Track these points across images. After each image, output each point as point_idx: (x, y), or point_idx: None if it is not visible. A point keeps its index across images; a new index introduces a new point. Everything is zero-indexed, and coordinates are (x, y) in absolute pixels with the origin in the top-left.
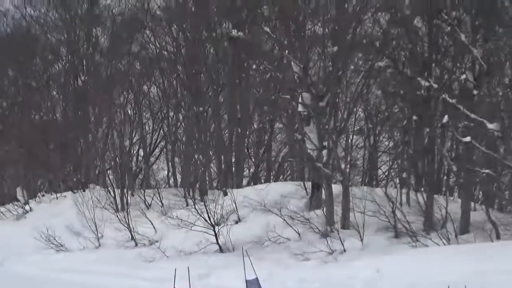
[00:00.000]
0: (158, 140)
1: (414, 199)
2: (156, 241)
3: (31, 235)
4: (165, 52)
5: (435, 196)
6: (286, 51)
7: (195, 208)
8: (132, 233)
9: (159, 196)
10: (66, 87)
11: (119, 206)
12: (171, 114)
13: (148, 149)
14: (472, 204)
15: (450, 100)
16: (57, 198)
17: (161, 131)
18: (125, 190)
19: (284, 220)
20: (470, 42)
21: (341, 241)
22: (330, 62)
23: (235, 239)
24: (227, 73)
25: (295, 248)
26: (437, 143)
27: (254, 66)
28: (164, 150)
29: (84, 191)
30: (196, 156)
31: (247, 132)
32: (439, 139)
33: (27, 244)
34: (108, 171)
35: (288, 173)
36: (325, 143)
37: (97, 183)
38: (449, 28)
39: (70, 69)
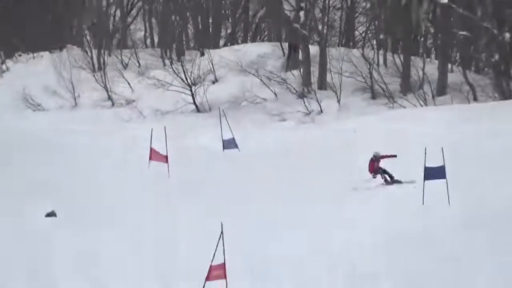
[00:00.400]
0: (135, 0)
1: (391, 60)
2: (133, 101)
3: (8, 95)
4: None
5: (412, 57)
6: None
7: (172, 68)
8: (109, 93)
9: (136, 56)
10: None
11: (96, 66)
12: None
13: (125, 9)
14: (449, 65)
15: None
16: (34, 58)
17: None
18: (102, 50)
19: (261, 80)
20: None
21: (318, 102)
22: None
23: (212, 99)
24: None
25: (272, 109)
26: (414, 4)
27: None
28: (141, 10)
29: (61, 51)
30: (173, 17)
31: None
32: (417, 0)
33: (3, 105)
34: (85, 31)
35: (265, 34)
36: (302, 4)
37: (74, 43)
38: None
39: None
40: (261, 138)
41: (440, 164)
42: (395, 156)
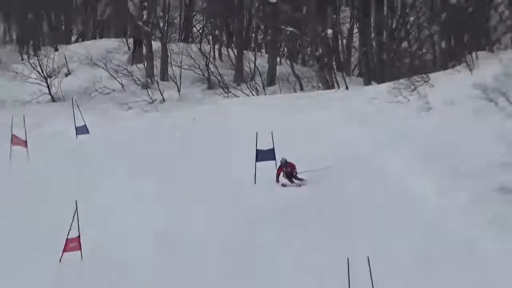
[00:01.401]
0: None
1: (225, 54)
2: None
3: None
4: None
5: (244, 51)
6: None
7: (29, 62)
8: None
9: None
10: None
11: None
12: None
13: None
14: (278, 59)
15: None
16: None
17: None
18: None
19: (109, 73)
20: None
21: (160, 92)
22: None
23: (66, 90)
24: None
25: (119, 99)
26: (246, 3)
27: None
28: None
29: None
30: (29, 15)
31: None
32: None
33: None
34: None
35: (112, 31)
36: (145, 3)
37: None
38: None
39: None
40: (110, 125)
41: (270, 146)
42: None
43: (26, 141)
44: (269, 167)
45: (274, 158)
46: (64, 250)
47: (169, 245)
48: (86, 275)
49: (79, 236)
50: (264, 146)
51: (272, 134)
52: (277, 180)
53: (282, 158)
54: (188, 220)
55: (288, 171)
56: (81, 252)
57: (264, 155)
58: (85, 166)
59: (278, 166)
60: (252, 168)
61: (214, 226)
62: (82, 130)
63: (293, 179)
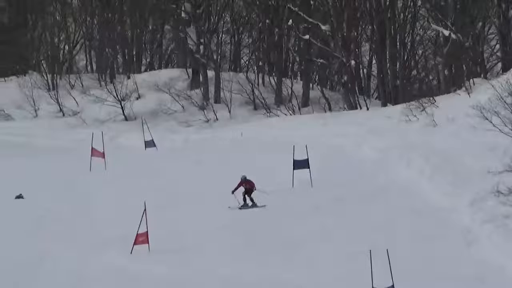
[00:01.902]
0: (79, 38)
1: (268, 81)
2: (78, 112)
3: None
4: None
5: (283, 79)
6: None
7: (106, 88)
8: (60, 106)
9: (80, 79)
10: None
11: (51, 87)
12: (88, 19)
13: (71, 44)
14: (311, 85)
15: (293, 8)
16: (5, 81)
17: (80, 31)
18: (55, 75)
19: (172, 96)
20: None
21: (214, 112)
22: None
23: (136, 111)
24: None
25: (181, 118)
26: (284, 40)
27: None
28: (83, 45)
29: (25, 75)
30: (106, 50)
31: (144, 32)
32: (286, 37)
33: None
34: (42, 61)
35: (174, 62)
36: (202, 40)
37: (34, 70)
38: None
39: None
40: (173, 139)
41: (304, 157)
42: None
43: (103, 153)
44: (304, 172)
45: (308, 167)
46: (135, 243)
47: (230, 237)
48: (153, 264)
49: (147, 232)
50: (300, 156)
51: (306, 146)
52: (233, 192)
53: (243, 175)
54: (245, 214)
55: (247, 188)
56: (148, 245)
57: (300, 164)
58: (153, 173)
59: (239, 182)
60: (290, 174)
61: (267, 218)
62: (150, 144)
63: (248, 198)
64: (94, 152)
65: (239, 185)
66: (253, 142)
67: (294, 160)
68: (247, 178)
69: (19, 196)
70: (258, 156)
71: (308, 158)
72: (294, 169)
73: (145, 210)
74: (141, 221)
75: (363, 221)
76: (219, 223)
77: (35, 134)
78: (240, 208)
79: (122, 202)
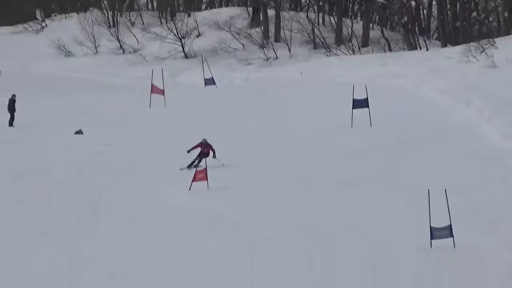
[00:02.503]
0: None
1: (328, 21)
2: (139, 50)
3: (47, 45)
4: None
5: (343, 19)
6: None
7: (167, 25)
8: (121, 43)
9: (140, 16)
10: None
11: (111, 24)
12: None
13: None
14: (371, 25)
15: None
16: (65, 18)
17: None
18: (115, 12)
19: (232, 35)
20: None
21: (274, 51)
22: None
23: (196, 49)
24: None
25: (240, 56)
26: None
27: None
28: None
29: (85, 12)
30: None
31: None
32: None
33: (43, 52)
34: None
35: (235, 0)
36: None
37: (95, 7)
38: None
39: None
40: (232, 77)
41: (364, 96)
42: (214, 151)
43: (163, 90)
44: (363, 112)
45: (368, 106)
46: (193, 180)
47: (288, 176)
48: (212, 202)
49: (205, 169)
50: (359, 96)
51: (366, 86)
52: (188, 151)
53: (203, 139)
54: (302, 153)
55: (204, 151)
56: (207, 182)
57: (359, 103)
58: (212, 110)
59: (198, 143)
60: (348, 114)
61: (324, 158)
62: (210, 81)
63: (198, 161)
64: (154, 89)
65: (197, 146)
66: (312, 81)
67: (353, 100)
68: (208, 142)
69: (79, 132)
70: (317, 95)
71: (367, 98)
72: (353, 108)
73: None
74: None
75: (422, 161)
76: (277, 162)
77: (95, 71)
78: (181, 169)
79: (181, 138)
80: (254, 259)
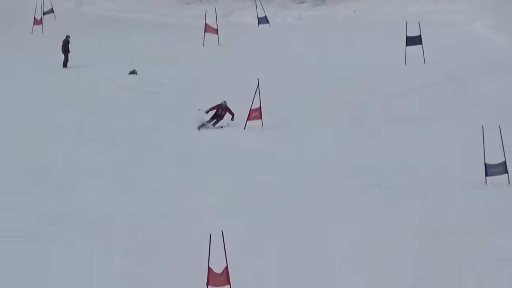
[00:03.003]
0: None
1: None
2: None
3: None
4: None
5: None
6: None
7: None
8: None
9: None
10: None
11: None
12: None
13: None
14: None
15: None
16: None
17: None
18: None
19: None
20: None
21: None
22: None
23: None
24: None
25: None
26: None
27: None
28: None
29: None
30: None
31: None
32: None
33: None
34: None
35: None
36: None
37: None
38: None
39: None
40: (286, 15)
41: (417, 33)
42: (232, 115)
43: (217, 29)
44: (416, 49)
45: (421, 43)
46: (248, 119)
47: (340, 113)
48: (266, 140)
49: (260, 107)
50: (412, 33)
51: (419, 23)
52: (206, 112)
53: (223, 101)
54: (353, 92)
55: (220, 113)
56: (262, 121)
57: (412, 40)
58: (266, 48)
59: (217, 104)
60: (402, 51)
61: (376, 94)
62: (263, 20)
63: (214, 120)
64: (207, 28)
65: (215, 107)
66: (365, 19)
67: (406, 37)
68: (227, 105)
69: (133, 72)
70: (370, 32)
71: (420, 34)
72: (406, 45)
73: (258, 86)
74: (254, 97)
75: (475, 97)
76: (330, 100)
77: (148, 10)
78: (199, 128)
79: (234, 77)
80: (311, 195)
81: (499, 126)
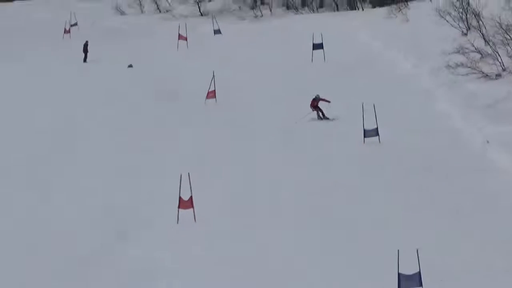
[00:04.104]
0: None
1: None
2: (170, 10)
3: (111, 8)
4: None
5: None
6: None
7: None
8: (158, 6)
9: None
10: None
11: None
12: None
13: None
14: None
15: None
16: None
17: None
18: None
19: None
20: None
21: (260, 12)
22: None
23: (208, 9)
24: None
25: (238, 14)
26: None
27: None
28: None
29: None
30: None
31: None
32: None
33: (108, 12)
34: None
35: None
36: None
37: None
38: None
39: None
40: (232, 28)
41: (320, 42)
42: (329, 101)
43: (186, 37)
44: (320, 52)
45: (323, 48)
46: (206, 97)
47: None
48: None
49: (214, 90)
50: (317, 41)
51: (321, 34)
52: (313, 110)
53: (316, 95)
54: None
55: (316, 105)
56: (215, 99)
57: (317, 46)
58: (217, 49)
59: (312, 99)
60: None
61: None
62: (217, 31)
63: (321, 114)
64: (180, 36)
65: (313, 104)
66: (287, 30)
67: (313, 44)
68: (320, 97)
69: (130, 66)
70: (290, 39)
71: (322, 42)
72: (313, 49)
73: (213, 75)
74: (211, 83)
75: (358, 84)
76: (259, 82)
77: (140, 24)
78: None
79: (197, 69)
80: None
81: (374, 104)
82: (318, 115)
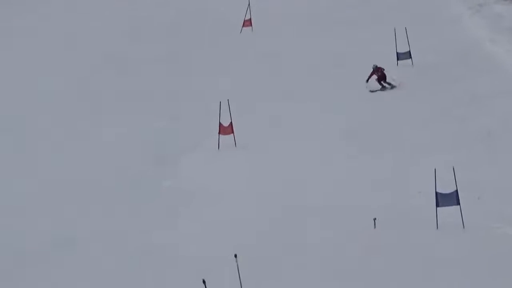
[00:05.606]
0: None
1: None
2: None
3: None
4: None
5: None
6: None
7: None
8: None
9: None
10: None
11: None
12: None
13: None
14: None
15: None
16: None
17: None
18: None
19: None
20: None
21: None
22: None
23: None
24: None
25: None
26: None
27: None
28: None
29: None
30: None
31: None
32: None
33: None
34: None
35: None
36: None
37: None
38: None
39: None
40: None
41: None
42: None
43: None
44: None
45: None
46: (243, 26)
47: None
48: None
49: (250, 19)
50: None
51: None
52: (367, 81)
53: (374, 65)
54: None
55: (379, 75)
56: (252, 27)
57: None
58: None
59: (371, 70)
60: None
61: None
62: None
63: (384, 83)
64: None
65: (371, 74)
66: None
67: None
68: (378, 66)
69: None
70: None
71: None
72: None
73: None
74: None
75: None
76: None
77: None
78: (381, 89)
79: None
80: None
81: (405, 28)
82: (382, 86)
